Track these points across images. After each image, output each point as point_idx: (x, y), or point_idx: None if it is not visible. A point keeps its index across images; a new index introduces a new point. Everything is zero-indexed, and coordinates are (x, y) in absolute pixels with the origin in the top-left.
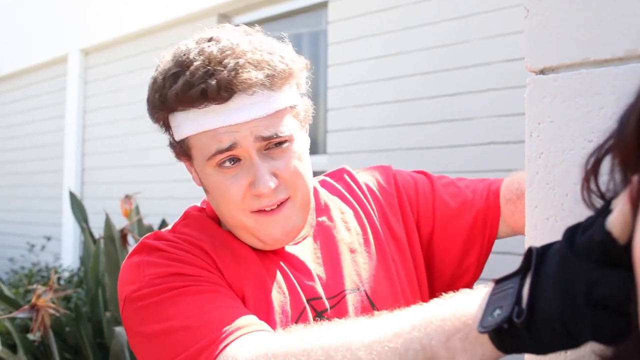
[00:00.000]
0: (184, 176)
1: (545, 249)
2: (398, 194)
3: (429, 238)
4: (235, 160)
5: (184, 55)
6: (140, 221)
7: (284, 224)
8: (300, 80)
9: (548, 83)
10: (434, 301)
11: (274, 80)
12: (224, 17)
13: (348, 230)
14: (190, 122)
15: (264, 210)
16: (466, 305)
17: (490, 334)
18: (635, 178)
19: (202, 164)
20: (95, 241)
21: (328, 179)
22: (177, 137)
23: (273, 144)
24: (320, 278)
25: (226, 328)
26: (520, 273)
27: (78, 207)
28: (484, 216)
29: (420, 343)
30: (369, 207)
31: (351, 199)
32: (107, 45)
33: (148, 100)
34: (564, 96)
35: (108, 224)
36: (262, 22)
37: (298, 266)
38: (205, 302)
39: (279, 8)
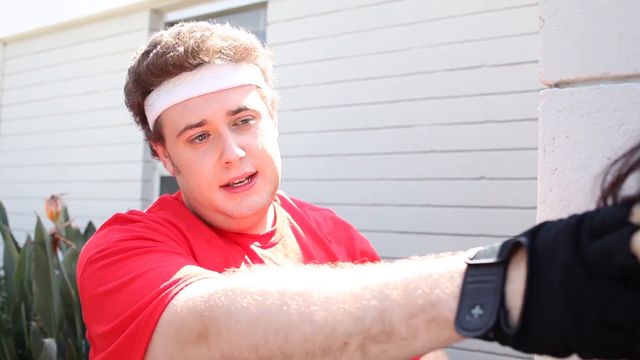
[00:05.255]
0: (108, 176)
1: (534, 240)
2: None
3: None
4: (204, 136)
5: (157, 37)
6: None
7: (253, 200)
8: (264, 65)
9: (564, 97)
10: (399, 264)
11: (237, 51)
12: (157, 13)
13: (312, 248)
14: (162, 97)
15: (234, 188)
16: (434, 279)
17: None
18: None
19: (173, 141)
20: (17, 245)
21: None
22: (151, 119)
23: (240, 121)
24: None
25: (183, 275)
26: (503, 265)
27: None
28: None
29: (379, 314)
30: (325, 235)
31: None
32: (28, 36)
33: (124, 88)
34: (582, 111)
35: (39, 228)
36: (196, 19)
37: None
38: (167, 257)
39: (215, 6)
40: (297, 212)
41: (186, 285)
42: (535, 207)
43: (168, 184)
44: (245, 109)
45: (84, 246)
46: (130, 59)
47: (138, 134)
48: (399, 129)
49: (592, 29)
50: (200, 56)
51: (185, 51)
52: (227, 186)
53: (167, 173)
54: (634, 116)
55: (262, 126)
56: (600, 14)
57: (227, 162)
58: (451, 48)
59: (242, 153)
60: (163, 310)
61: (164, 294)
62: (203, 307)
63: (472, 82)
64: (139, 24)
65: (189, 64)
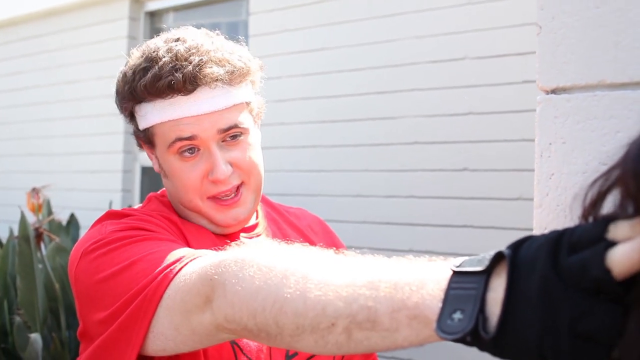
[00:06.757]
0: (89, 167)
1: (516, 253)
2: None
3: None
4: (194, 150)
5: (154, 52)
6: (50, 216)
7: (238, 211)
8: (255, 79)
9: (561, 103)
10: (394, 261)
11: (233, 77)
12: (137, 2)
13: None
14: (156, 112)
15: (221, 202)
16: (421, 280)
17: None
18: None
19: (164, 150)
20: None
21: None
22: (142, 126)
23: (229, 137)
24: None
25: (185, 253)
26: (485, 274)
27: None
28: None
29: (366, 302)
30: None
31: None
32: (7, 24)
33: (117, 92)
34: (578, 118)
35: (23, 222)
36: (177, 9)
37: None
38: (164, 243)
39: None
40: (275, 206)
41: (190, 261)
42: (517, 199)
43: (149, 174)
44: (236, 126)
45: (77, 243)
46: (123, 64)
47: (119, 124)
48: (383, 121)
49: (589, 37)
50: (197, 82)
51: (184, 79)
52: (214, 197)
53: (148, 164)
54: (629, 123)
55: (250, 140)
56: (596, 22)
57: (214, 181)
58: (435, 40)
59: (229, 171)
60: (168, 285)
61: (168, 269)
62: (213, 271)
63: (456, 74)
64: (119, 13)
65: (186, 89)
